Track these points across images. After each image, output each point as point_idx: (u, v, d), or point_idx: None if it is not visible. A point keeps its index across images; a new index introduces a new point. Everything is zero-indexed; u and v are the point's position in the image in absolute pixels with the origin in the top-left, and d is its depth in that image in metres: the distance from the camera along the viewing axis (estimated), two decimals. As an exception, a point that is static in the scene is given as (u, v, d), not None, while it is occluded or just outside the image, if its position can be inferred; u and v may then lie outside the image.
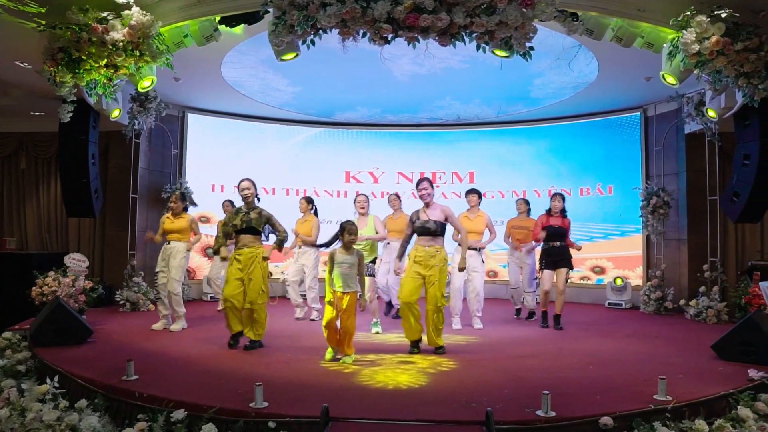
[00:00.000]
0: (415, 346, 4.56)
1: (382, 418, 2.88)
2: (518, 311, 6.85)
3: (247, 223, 4.69)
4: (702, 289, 6.57)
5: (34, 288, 5.45)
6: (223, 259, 5.56)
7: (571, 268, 5.94)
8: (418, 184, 4.69)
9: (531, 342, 5.09)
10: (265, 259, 4.67)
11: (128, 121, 6.86)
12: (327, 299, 4.21)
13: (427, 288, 4.52)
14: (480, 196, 6.04)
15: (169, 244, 5.58)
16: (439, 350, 4.53)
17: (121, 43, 3.60)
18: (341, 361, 4.13)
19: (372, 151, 9.29)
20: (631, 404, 3.11)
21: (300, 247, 6.46)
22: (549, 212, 5.99)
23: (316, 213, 6.55)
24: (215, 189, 8.51)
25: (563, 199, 6.02)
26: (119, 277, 7.13)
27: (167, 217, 5.67)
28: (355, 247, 4.29)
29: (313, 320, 6.37)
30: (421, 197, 4.64)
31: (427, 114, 8.60)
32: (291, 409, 2.96)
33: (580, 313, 6.87)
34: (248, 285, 4.59)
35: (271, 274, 7.39)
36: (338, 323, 4.22)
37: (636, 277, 7.91)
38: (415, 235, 4.67)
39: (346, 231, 4.15)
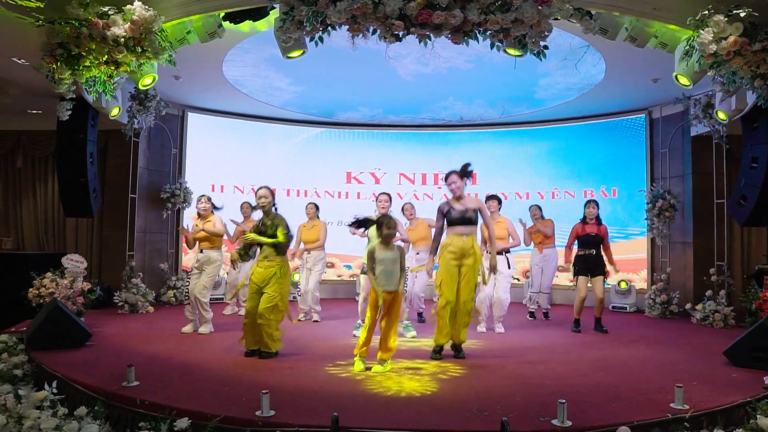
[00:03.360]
0: (438, 352, 4.41)
1: (395, 427, 2.79)
2: (532, 314, 6.78)
3: (262, 234, 4.48)
4: (708, 293, 6.50)
5: (30, 289, 5.32)
6: (232, 262, 5.44)
7: (606, 275, 5.86)
8: (446, 178, 4.56)
9: (538, 347, 4.99)
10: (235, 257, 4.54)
11: (127, 120, 6.74)
12: (371, 301, 3.97)
13: (460, 279, 4.36)
14: (500, 201, 5.97)
15: (201, 252, 5.47)
16: (459, 354, 4.43)
17: (122, 39, 3.49)
18: (373, 369, 3.90)
19: (374, 151, 9.20)
20: (648, 413, 3.03)
21: (309, 253, 6.34)
22: (584, 220, 5.91)
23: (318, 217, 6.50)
24: (215, 189, 8.40)
25: (597, 205, 5.94)
26: (118, 279, 7.02)
27: (196, 225, 5.58)
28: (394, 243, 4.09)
29: (316, 321, 6.27)
30: (451, 191, 4.49)
31: (429, 115, 8.52)
32: (299, 418, 2.85)
33: (584, 316, 6.77)
34: (265, 300, 4.33)
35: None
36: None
37: (640, 280, 7.85)
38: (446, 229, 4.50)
39: (385, 225, 3.90)
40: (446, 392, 3.44)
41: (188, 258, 8.05)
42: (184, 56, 5.72)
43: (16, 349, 4.44)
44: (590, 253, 5.78)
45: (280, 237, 4.43)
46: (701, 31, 3.50)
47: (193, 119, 8.20)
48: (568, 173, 8.65)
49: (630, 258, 7.98)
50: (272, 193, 4.58)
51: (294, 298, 6.73)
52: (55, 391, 3.29)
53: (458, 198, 4.48)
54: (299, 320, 6.32)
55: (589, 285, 5.78)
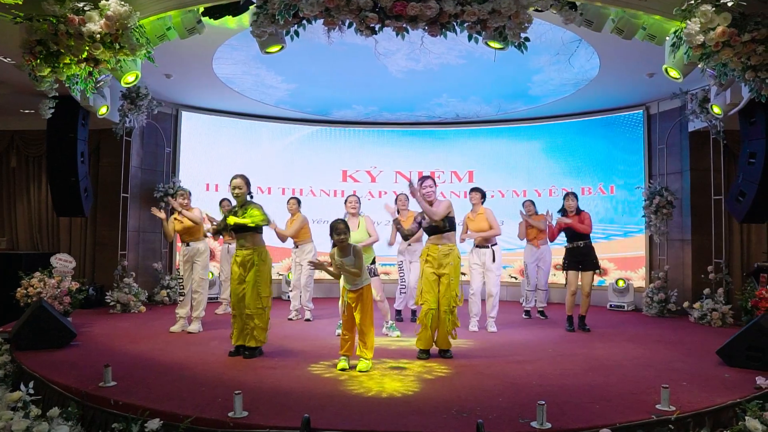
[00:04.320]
0: (425, 353, 4.37)
1: (368, 429, 2.72)
2: (527, 313, 6.69)
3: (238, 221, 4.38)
4: (706, 291, 6.39)
5: (19, 289, 5.31)
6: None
7: (597, 269, 5.74)
8: (421, 183, 4.50)
9: (530, 346, 4.91)
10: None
11: (119, 119, 6.71)
12: (340, 304, 4.02)
13: (440, 288, 4.36)
14: (483, 194, 5.87)
15: (188, 245, 5.46)
16: (446, 354, 4.37)
17: (98, 35, 3.45)
18: (357, 369, 3.86)
19: (369, 149, 9.14)
20: (633, 414, 2.95)
21: (297, 247, 6.31)
22: (564, 213, 5.84)
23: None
24: (209, 188, 8.37)
25: (576, 197, 5.88)
26: (111, 278, 7.00)
27: (174, 218, 5.55)
28: (350, 242, 4.04)
29: (308, 320, 6.22)
30: (424, 195, 4.44)
31: (424, 112, 8.44)
32: (272, 419, 2.80)
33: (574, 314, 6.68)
34: (246, 289, 4.29)
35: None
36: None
37: (638, 278, 7.74)
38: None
39: (334, 231, 3.92)
40: (428, 393, 3.38)
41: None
42: (174, 54, 5.71)
43: (1, 349, 4.41)
44: (578, 245, 5.69)
45: (255, 218, 4.29)
46: (688, 22, 3.41)
47: (186, 118, 8.17)
48: (566, 170, 8.55)
49: (628, 256, 7.88)
50: (247, 182, 4.48)
51: (286, 296, 6.69)
52: (31, 391, 3.24)
53: (431, 203, 4.45)
54: (290, 319, 6.27)
55: (579, 282, 5.69)
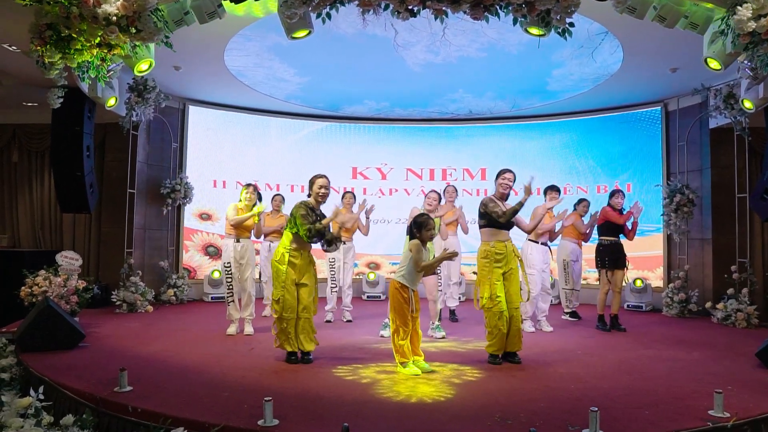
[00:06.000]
0: (512, 356, 4.12)
1: (410, 438, 2.54)
2: (574, 314, 6.41)
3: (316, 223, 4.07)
4: (730, 291, 6.22)
5: (23, 288, 5.09)
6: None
7: (626, 267, 5.77)
8: (502, 174, 4.46)
9: (557, 348, 4.72)
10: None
11: (126, 112, 6.51)
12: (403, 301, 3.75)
13: (506, 285, 4.16)
14: (559, 192, 5.87)
15: (238, 242, 5.21)
16: (514, 357, 4.12)
17: (114, 18, 3.25)
18: (425, 369, 3.72)
19: (380, 146, 8.94)
20: (686, 421, 2.77)
21: (345, 243, 5.99)
22: (612, 208, 5.78)
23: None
24: (217, 185, 8.16)
25: (623, 195, 5.89)
26: (116, 277, 6.79)
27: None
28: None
29: (349, 321, 5.99)
30: (501, 187, 4.39)
31: (437, 108, 8.26)
32: (306, 428, 2.61)
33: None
34: (309, 291, 4.05)
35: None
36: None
37: (656, 278, 7.57)
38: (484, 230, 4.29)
39: (424, 227, 3.73)
40: (463, 398, 3.19)
41: (188, 256, 7.83)
42: (184, 45, 5.50)
43: (6, 351, 4.20)
44: (614, 240, 5.71)
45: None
46: (739, 8, 3.23)
47: (194, 112, 7.95)
48: (581, 168, 8.38)
49: (645, 255, 7.71)
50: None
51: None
52: (41, 396, 3.05)
53: (506, 197, 4.43)
54: (328, 321, 5.95)
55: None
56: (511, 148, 8.72)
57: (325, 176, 4.28)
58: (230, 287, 5.16)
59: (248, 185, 5.35)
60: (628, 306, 7.42)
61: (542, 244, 5.72)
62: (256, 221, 5.26)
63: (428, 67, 6.41)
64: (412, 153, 8.91)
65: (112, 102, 5.38)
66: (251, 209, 5.21)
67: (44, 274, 5.17)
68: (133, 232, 7.13)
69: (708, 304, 6.52)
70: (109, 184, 7.20)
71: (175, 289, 7.27)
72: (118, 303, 6.46)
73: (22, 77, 5.69)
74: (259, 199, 5.37)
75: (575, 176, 8.37)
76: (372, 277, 8.17)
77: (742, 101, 5.26)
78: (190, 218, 7.90)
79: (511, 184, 4.40)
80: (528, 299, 4.45)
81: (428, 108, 8.23)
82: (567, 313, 6.45)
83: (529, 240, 5.67)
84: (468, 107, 8.14)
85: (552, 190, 5.85)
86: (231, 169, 8.25)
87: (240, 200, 5.32)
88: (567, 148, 8.48)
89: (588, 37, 5.52)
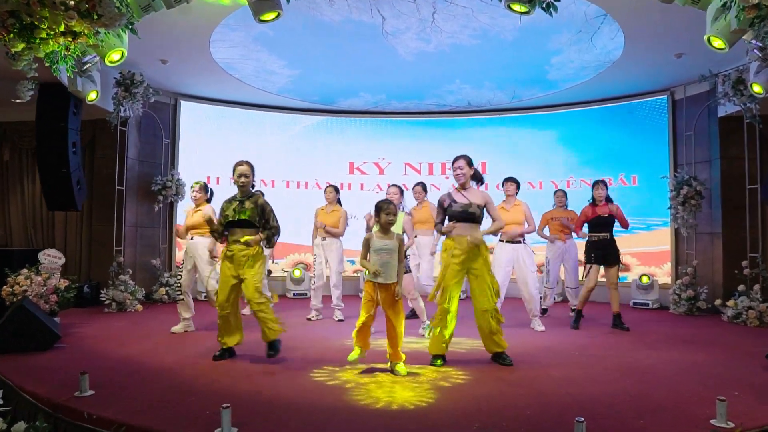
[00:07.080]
0: (439, 359, 3.87)
1: (377, 450, 2.33)
2: (579, 314, 6.10)
3: (240, 215, 3.98)
4: (741, 287, 5.92)
5: (4, 287, 4.97)
6: (213, 257, 5.06)
7: (619, 264, 5.43)
8: (453, 162, 4.03)
9: (554, 349, 4.48)
10: (246, 244, 3.95)
11: (113, 108, 6.37)
12: (365, 295, 3.62)
13: (472, 283, 3.87)
14: (518, 184, 5.48)
15: (192, 239, 5.06)
16: (500, 359, 3.88)
17: (72, 2, 3.08)
18: (399, 372, 3.54)
19: (377, 140, 8.73)
20: (685, 431, 2.53)
21: (324, 239, 5.83)
22: (593, 202, 5.49)
23: (340, 203, 6.01)
24: (210, 181, 8.00)
25: (605, 185, 5.52)
26: (107, 275, 6.66)
27: (189, 210, 5.21)
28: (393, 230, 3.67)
29: (341, 321, 5.81)
30: (455, 177, 3.99)
31: (435, 100, 8.02)
32: (265, 438, 2.42)
33: (603, 313, 6.25)
34: (244, 285, 3.93)
35: (270, 272, 6.89)
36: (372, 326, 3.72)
37: (663, 274, 7.28)
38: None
39: (383, 211, 3.54)
40: (445, 404, 2.97)
41: (181, 254, 7.69)
42: (169, 36, 5.35)
43: (-21, 353, 4.07)
44: (604, 236, 5.37)
45: (274, 228, 4.05)
46: (743, -22, 2.96)
47: (186, 108, 7.81)
48: (585, 160, 8.10)
49: (651, 250, 7.42)
50: (253, 170, 4.09)
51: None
52: (0, 401, 2.89)
53: (463, 186, 3.99)
54: (309, 319, 5.83)
55: (602, 278, 5.27)
56: (512, 141, 8.46)
57: (245, 163, 4.09)
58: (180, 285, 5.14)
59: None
60: (634, 304, 7.14)
61: (508, 242, 5.32)
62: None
63: (421, 56, 6.18)
64: (410, 147, 8.70)
65: (93, 96, 5.22)
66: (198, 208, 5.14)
67: (26, 272, 5.04)
68: (125, 229, 7.00)
69: (718, 302, 6.23)
70: (100, 182, 7.08)
71: (167, 288, 7.13)
72: (107, 302, 6.34)
73: (10, 73, 5.52)
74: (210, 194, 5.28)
75: (578, 169, 8.10)
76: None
77: (751, 85, 4.96)
78: (182, 215, 7.75)
79: (463, 171, 3.97)
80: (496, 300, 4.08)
81: (425, 100, 8.00)
82: (543, 309, 6.24)
83: (500, 240, 5.41)
84: (467, 99, 7.90)
85: (509, 182, 5.48)
86: (224, 166, 8.06)
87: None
88: (570, 139, 8.20)
89: (585, 21, 5.25)
